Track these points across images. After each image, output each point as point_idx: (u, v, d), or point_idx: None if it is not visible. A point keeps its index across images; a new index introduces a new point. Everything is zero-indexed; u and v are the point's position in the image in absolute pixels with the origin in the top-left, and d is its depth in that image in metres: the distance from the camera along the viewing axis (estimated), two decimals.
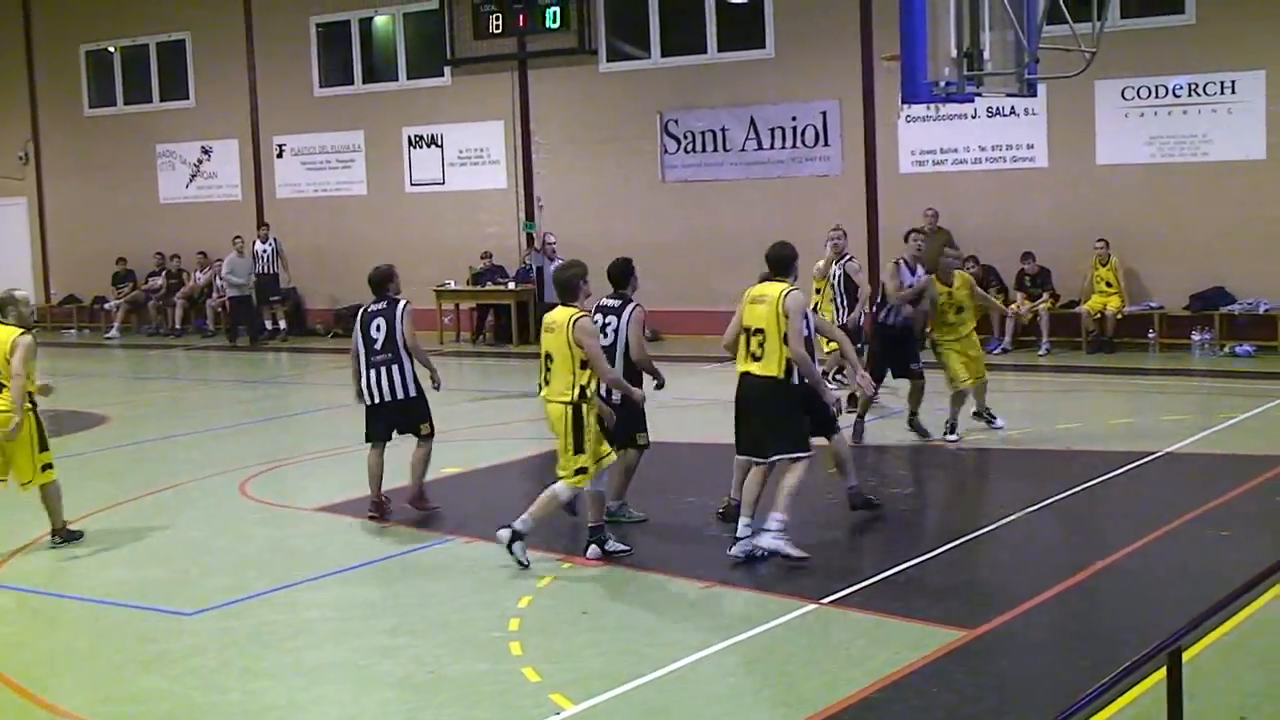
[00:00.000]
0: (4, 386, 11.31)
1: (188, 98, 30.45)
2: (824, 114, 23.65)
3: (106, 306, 30.49)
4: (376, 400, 12.26)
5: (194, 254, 29.92)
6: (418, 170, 27.65)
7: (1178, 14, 21.14)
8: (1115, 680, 5.20)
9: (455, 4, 26.30)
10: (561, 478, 10.61)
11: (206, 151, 30.23)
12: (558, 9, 25.21)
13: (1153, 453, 13.76)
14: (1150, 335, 21.14)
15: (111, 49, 31.40)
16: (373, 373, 12.22)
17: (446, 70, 27.06)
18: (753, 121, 24.22)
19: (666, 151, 25.01)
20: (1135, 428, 15.59)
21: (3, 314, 11.60)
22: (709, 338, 22.66)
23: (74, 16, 31.59)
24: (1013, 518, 11.45)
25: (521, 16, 25.55)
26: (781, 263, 10.92)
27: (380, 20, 28.09)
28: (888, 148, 23.21)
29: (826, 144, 23.70)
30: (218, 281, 28.43)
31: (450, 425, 17.10)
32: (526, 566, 10.42)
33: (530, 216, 26.41)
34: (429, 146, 27.47)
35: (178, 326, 29.51)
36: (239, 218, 29.38)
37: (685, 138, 24.85)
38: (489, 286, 25.79)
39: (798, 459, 10.49)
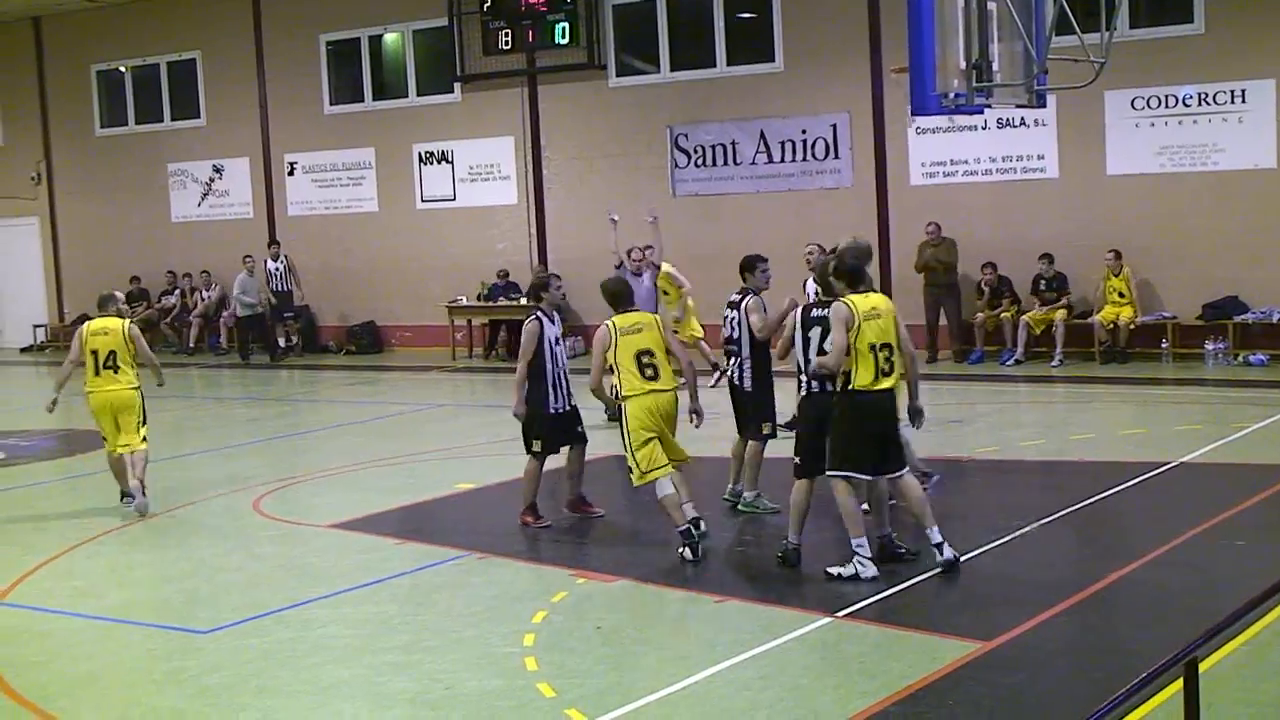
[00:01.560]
0: (120, 367, 13.67)
1: (199, 117, 30.52)
2: (834, 127, 23.66)
3: None
4: None
5: (204, 273, 29.97)
6: (428, 186, 27.68)
7: (1187, 24, 21.12)
8: (1132, 691, 5.18)
9: (464, 20, 26.35)
10: (674, 464, 11.15)
11: (218, 170, 30.29)
12: (566, 25, 25.25)
13: (1166, 463, 13.73)
14: (1163, 345, 21.09)
15: (122, 69, 31.48)
16: None
17: (456, 86, 27.10)
18: (762, 135, 24.24)
19: (677, 166, 25.04)
20: (1149, 438, 15.56)
21: (105, 309, 14.11)
22: (720, 351, 22.69)
23: (85, 37, 31.68)
24: (1027, 530, 11.43)
25: (530, 32, 25.60)
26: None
27: (390, 38, 28.15)
28: (898, 160, 23.22)
29: (836, 156, 23.70)
30: (232, 298, 28.33)
31: (463, 441, 17.16)
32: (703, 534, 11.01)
33: (542, 231, 26.45)
34: (439, 163, 27.51)
35: (191, 345, 29.58)
36: (251, 236, 29.42)
37: (695, 152, 24.87)
38: (501, 302, 25.81)
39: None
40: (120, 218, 31.64)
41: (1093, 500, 12.42)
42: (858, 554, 10.14)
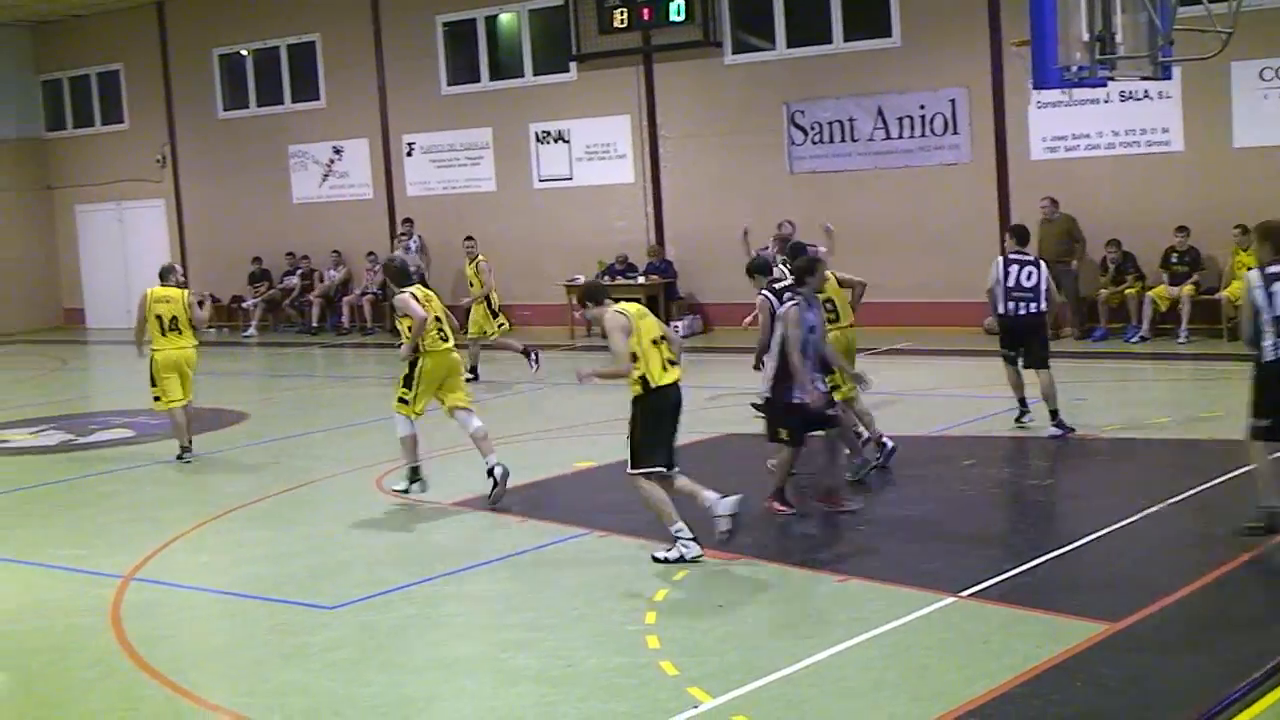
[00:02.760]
0: (182, 330, 15.72)
1: (318, 98, 30.84)
2: (952, 102, 23.39)
3: (244, 305, 31.01)
4: None
5: (328, 252, 30.32)
6: (545, 166, 27.78)
7: None
8: (1265, 677, 5.10)
9: None
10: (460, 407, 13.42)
11: (338, 151, 30.60)
12: (682, 2, 25.18)
13: None
14: None
15: (243, 52, 31.90)
16: None
17: (572, 66, 27.14)
18: (880, 111, 24.02)
19: (793, 143, 24.90)
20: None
21: (166, 280, 16.12)
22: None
23: (206, 20, 32.14)
24: (1154, 510, 11.24)
25: (646, 10, 25.56)
26: None
27: (505, 17, 28.25)
28: (1018, 134, 22.90)
29: (955, 132, 23.44)
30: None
31: (581, 420, 17.21)
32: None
33: (659, 210, 26.44)
34: (556, 142, 27.58)
35: (314, 324, 29.95)
36: (371, 216, 29.77)
37: (812, 128, 24.71)
38: (619, 281, 25.85)
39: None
40: (242, 199, 32.09)
41: (1221, 480, 12.17)
42: (679, 537, 10.41)
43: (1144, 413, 15.73)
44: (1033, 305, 14.62)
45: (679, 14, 25.24)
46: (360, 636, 9.26)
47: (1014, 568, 9.84)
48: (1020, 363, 14.78)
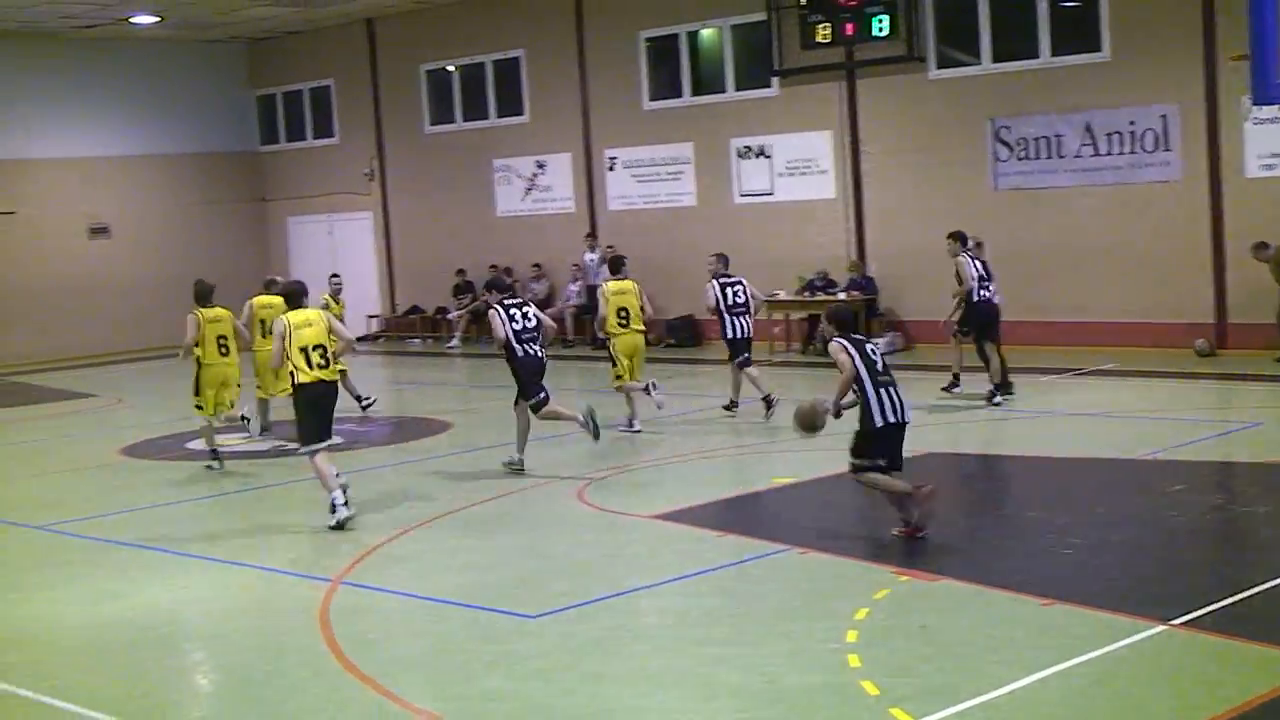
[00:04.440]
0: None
1: (522, 113, 31.28)
2: (1164, 118, 22.84)
3: (448, 317, 31.53)
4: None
5: (529, 266, 30.74)
6: (746, 181, 27.80)
7: None
8: None
9: (782, 15, 26.35)
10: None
11: (541, 166, 31.01)
12: (886, 17, 25.00)
13: None
14: None
15: (450, 68, 32.51)
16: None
17: (774, 81, 27.12)
18: (1088, 127, 23.57)
19: (998, 159, 24.55)
20: None
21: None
22: (1044, 349, 22.23)
23: (415, 37, 32.81)
24: None
25: (849, 25, 25.41)
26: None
27: (707, 33, 28.35)
28: (1233, 151, 22.27)
29: (1166, 148, 22.87)
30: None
31: (779, 436, 17.17)
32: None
33: (860, 226, 26.30)
34: (757, 157, 27.60)
35: None
36: (573, 230, 30.09)
37: (1017, 144, 24.34)
38: (819, 296, 25.75)
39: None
40: (447, 212, 32.70)
41: None
42: (334, 503, 13.03)
43: None
44: (996, 293, 18.48)
45: (882, 29, 25.06)
46: (562, 646, 9.37)
47: (1228, 597, 9.57)
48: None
